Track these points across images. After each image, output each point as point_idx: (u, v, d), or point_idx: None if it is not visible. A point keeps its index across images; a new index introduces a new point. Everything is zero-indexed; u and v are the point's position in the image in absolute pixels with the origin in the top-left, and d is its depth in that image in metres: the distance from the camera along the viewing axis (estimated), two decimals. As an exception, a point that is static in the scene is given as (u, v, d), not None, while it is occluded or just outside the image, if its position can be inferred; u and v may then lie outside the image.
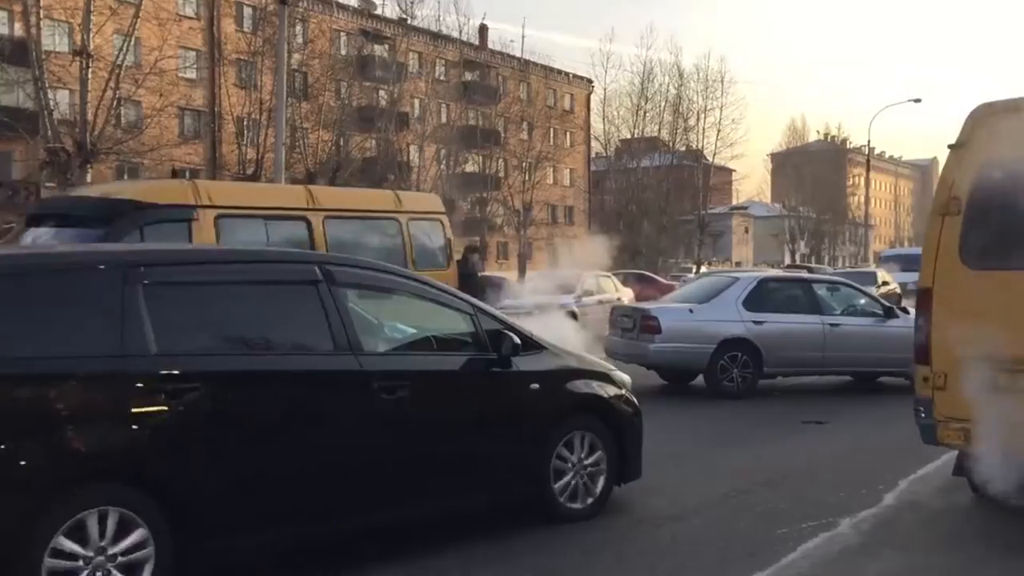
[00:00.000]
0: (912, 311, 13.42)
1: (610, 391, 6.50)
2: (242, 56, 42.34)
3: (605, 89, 63.45)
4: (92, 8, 29.64)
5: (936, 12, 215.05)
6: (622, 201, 61.28)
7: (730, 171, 72.73)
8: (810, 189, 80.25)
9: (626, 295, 22.46)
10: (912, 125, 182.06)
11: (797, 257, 75.17)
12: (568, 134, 67.13)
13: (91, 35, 29.69)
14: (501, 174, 56.32)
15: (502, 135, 56.13)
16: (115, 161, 35.60)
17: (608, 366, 6.89)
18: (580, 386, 6.32)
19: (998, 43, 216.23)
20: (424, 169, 48.86)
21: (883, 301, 13.27)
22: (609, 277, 23.89)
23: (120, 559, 4.35)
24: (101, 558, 4.29)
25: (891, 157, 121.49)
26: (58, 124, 29.81)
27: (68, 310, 4.50)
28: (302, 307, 5.25)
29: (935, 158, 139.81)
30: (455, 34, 53.17)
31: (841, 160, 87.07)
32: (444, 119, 52.12)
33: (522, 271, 44.68)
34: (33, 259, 5.13)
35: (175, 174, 23.09)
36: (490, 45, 60.10)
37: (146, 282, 4.67)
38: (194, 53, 43.46)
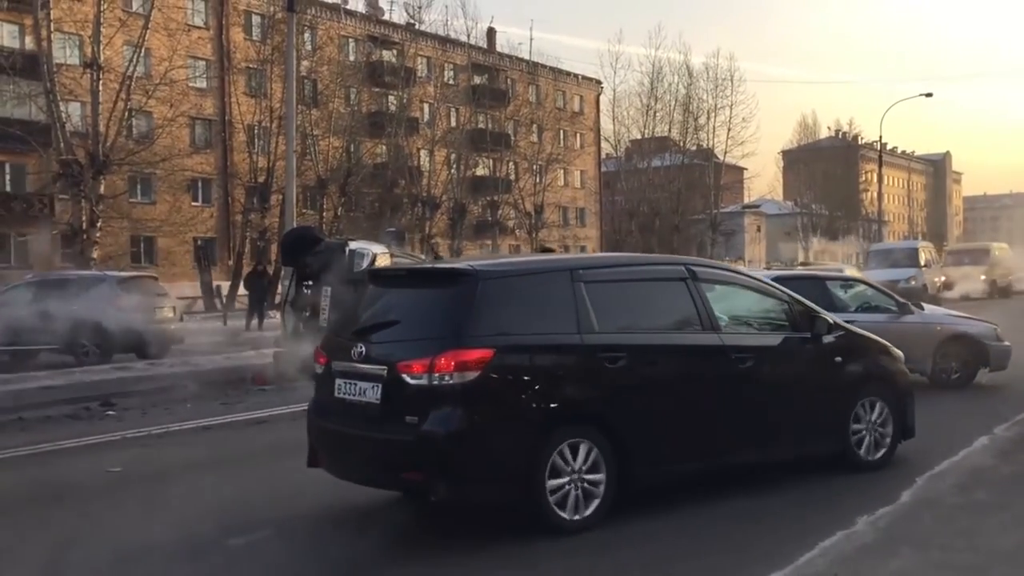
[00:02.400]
0: (927, 307, 13.42)
1: (892, 363, 7.88)
2: (251, 64, 42.46)
3: (615, 90, 63.65)
4: (102, 20, 29.82)
5: (946, 5, 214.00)
6: (634, 202, 61.19)
7: (741, 169, 72.50)
8: (822, 186, 79.87)
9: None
10: (924, 120, 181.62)
11: (811, 255, 74.84)
12: (578, 136, 67.09)
13: (101, 47, 29.85)
14: (512, 177, 56.31)
15: (512, 138, 56.09)
16: (127, 172, 35.73)
17: (887, 343, 7.99)
18: (871, 359, 7.72)
19: (1009, 36, 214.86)
20: (435, 173, 48.89)
21: (898, 297, 13.17)
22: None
23: (586, 478, 6.01)
24: (576, 476, 5.97)
25: (903, 152, 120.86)
26: (70, 136, 29.96)
27: (546, 301, 6.21)
28: (678, 297, 6.78)
29: (948, 152, 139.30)
30: (463, 38, 53.23)
31: (853, 156, 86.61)
32: (454, 123, 52.16)
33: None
34: (521, 265, 6.98)
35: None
36: (498, 48, 60.14)
37: (585, 280, 6.33)
38: (203, 62, 43.61)
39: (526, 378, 5.91)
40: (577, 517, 5.94)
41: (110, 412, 11.84)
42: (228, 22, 45.17)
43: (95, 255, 29.19)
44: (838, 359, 7.40)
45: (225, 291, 36.06)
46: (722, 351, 6.74)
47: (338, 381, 6.26)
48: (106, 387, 13.83)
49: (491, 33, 59.55)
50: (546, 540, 5.89)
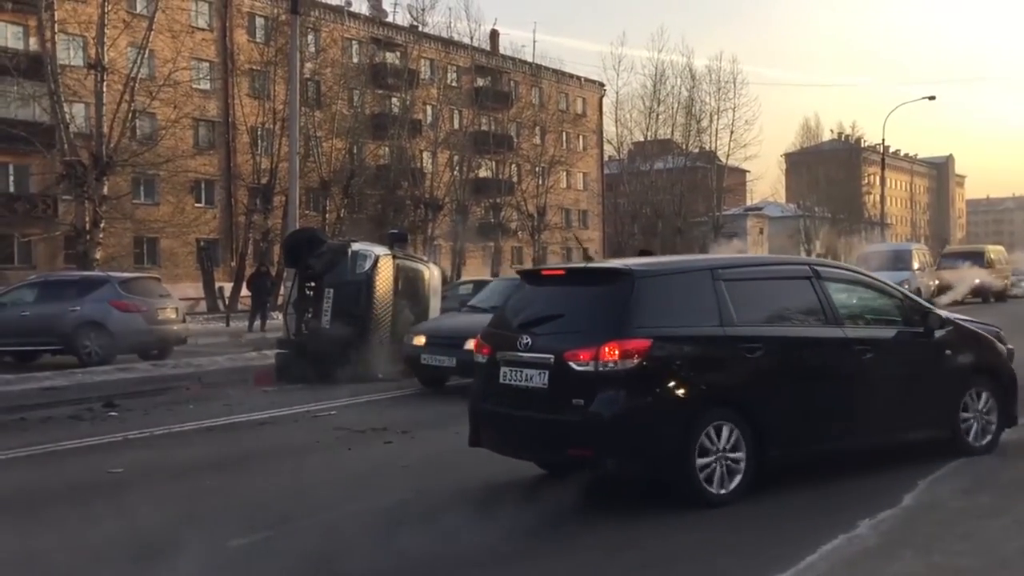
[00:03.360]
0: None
1: (996, 356, 8.37)
2: (255, 66, 42.54)
3: (617, 92, 63.53)
4: (106, 22, 29.89)
5: (948, 9, 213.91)
6: (636, 204, 61.17)
7: (744, 172, 72.52)
8: (825, 189, 79.84)
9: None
10: (927, 123, 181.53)
11: (813, 257, 74.72)
12: (581, 138, 67.10)
13: (105, 48, 29.93)
14: (514, 179, 56.30)
15: (515, 140, 56.12)
16: (131, 173, 35.79)
17: (992, 337, 8.50)
18: (978, 351, 8.22)
19: (1013, 39, 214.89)
20: (437, 175, 48.90)
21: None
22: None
23: (729, 456, 6.60)
24: (721, 454, 6.56)
25: (906, 155, 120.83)
26: (74, 137, 30.05)
27: (692, 297, 6.86)
28: (805, 293, 7.37)
29: (950, 155, 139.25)
30: (466, 40, 53.33)
31: (856, 159, 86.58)
32: (457, 125, 52.16)
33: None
34: (669, 265, 7.71)
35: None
36: (501, 50, 60.20)
37: (724, 279, 6.97)
38: (207, 64, 43.68)
39: (678, 365, 6.57)
40: (721, 492, 6.53)
41: (112, 413, 11.85)
42: (232, 24, 45.21)
43: (98, 256, 29.26)
44: (948, 352, 7.92)
45: (228, 292, 36.10)
46: (845, 343, 7.29)
47: (503, 369, 6.93)
48: (109, 388, 13.86)
49: (494, 35, 59.69)
50: (548, 540, 5.90)
